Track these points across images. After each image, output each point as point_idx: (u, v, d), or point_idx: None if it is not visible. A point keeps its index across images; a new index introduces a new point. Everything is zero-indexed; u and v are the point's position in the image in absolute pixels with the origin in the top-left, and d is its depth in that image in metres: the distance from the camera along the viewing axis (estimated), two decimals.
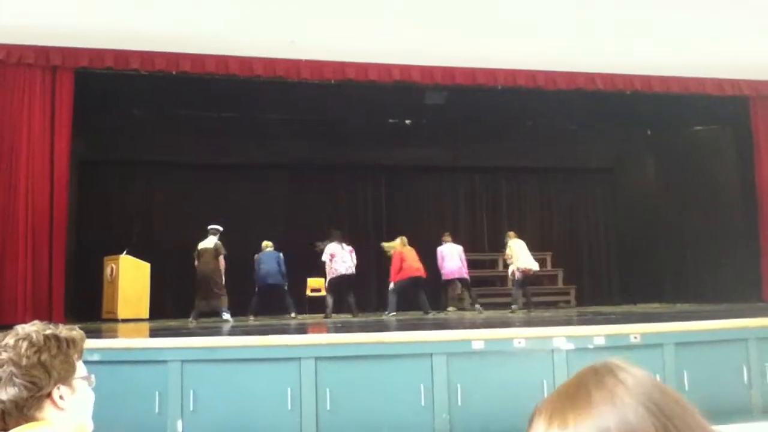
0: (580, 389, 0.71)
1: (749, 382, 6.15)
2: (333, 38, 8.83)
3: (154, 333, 7.51)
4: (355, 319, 9.45)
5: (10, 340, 1.36)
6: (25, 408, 1.32)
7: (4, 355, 1.34)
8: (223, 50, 9.06)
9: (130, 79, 9.25)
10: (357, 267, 10.27)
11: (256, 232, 10.42)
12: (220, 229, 9.70)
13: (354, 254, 10.15)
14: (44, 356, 1.35)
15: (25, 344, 1.35)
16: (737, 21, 8.51)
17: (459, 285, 11.23)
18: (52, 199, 8.69)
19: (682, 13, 8.27)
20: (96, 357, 5.23)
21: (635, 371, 0.72)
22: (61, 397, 1.37)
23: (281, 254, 10.11)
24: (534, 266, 10.72)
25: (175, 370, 5.45)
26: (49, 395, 1.35)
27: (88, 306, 10.04)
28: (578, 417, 0.69)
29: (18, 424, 1.29)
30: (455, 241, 11.00)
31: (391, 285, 10.12)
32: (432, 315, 9.87)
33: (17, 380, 1.31)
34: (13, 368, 1.32)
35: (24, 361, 1.33)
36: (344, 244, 10.15)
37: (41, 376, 1.34)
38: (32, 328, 1.39)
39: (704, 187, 12.20)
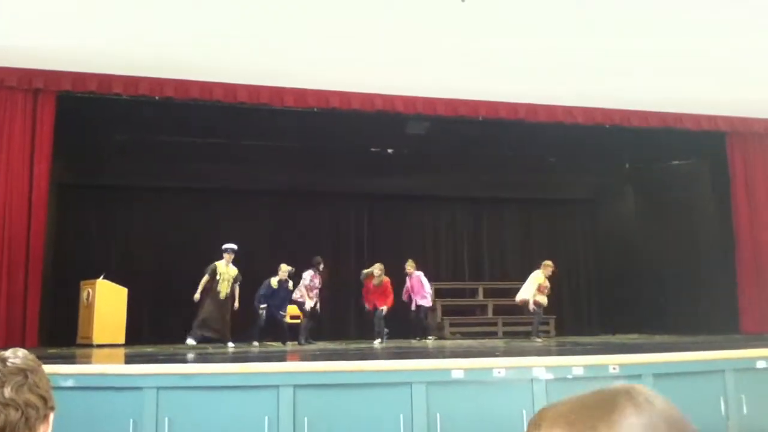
0: (611, 408, 0.69)
1: (726, 413, 6.18)
2: (317, 67, 8.90)
3: (129, 359, 7.39)
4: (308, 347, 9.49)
5: (11, 353, 1.34)
6: (37, 420, 1.29)
7: (19, 363, 1.31)
8: (208, 76, 9.09)
9: (112, 103, 9.23)
10: (335, 295, 10.39)
11: (236, 259, 10.33)
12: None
13: (304, 280, 10.23)
14: (47, 378, 1.35)
15: (31, 357, 1.34)
16: (714, 57, 8.71)
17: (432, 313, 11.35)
18: (30, 222, 8.60)
19: (660, 49, 8.46)
20: (70, 383, 5.14)
21: (662, 403, 0.71)
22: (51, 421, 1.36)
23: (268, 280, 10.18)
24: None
25: (150, 397, 5.36)
26: (46, 416, 1.33)
27: (64, 331, 9.86)
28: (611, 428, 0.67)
29: None
30: (437, 269, 11.14)
31: (384, 311, 10.28)
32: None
33: (35, 389, 1.29)
34: (33, 377, 1.30)
35: (39, 376, 1.32)
36: (311, 271, 10.27)
37: (49, 392, 1.33)
38: (24, 352, 1.38)
39: (682, 220, 12.36)
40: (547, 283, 10.73)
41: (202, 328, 9.47)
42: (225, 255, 9.68)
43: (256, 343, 9.69)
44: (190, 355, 7.70)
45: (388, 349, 8.84)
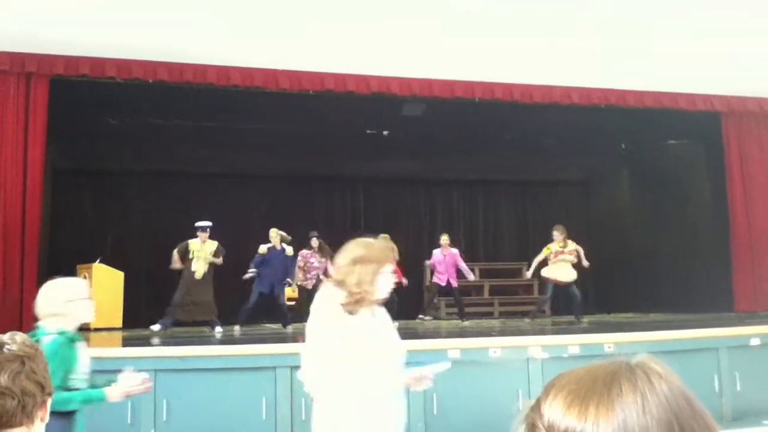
0: (610, 383, 0.67)
1: (720, 390, 6.25)
2: (312, 48, 8.85)
3: (126, 342, 7.42)
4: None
5: (8, 338, 1.32)
6: (35, 408, 1.28)
7: (15, 349, 1.28)
8: (201, 59, 9.03)
9: (106, 87, 9.17)
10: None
11: (232, 243, 10.31)
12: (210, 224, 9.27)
13: (298, 261, 10.01)
14: (45, 363, 1.34)
15: (29, 342, 1.33)
16: (709, 37, 8.68)
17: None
18: (25, 207, 8.57)
19: (655, 29, 8.42)
20: None
21: (672, 380, 0.69)
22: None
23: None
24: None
25: None
26: (44, 402, 1.32)
27: None
28: (599, 412, 0.66)
29: (11, 426, 1.25)
30: (432, 250, 10.99)
31: None
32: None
33: (32, 376, 1.27)
34: (30, 363, 1.29)
35: (36, 362, 1.30)
36: (305, 250, 10.09)
37: (47, 378, 1.32)
38: (22, 337, 1.36)
39: (677, 200, 12.39)
40: (559, 248, 10.07)
41: (172, 312, 8.84)
42: (198, 233, 9.04)
43: (237, 327, 9.14)
44: (188, 338, 7.73)
45: None
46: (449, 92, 10.04)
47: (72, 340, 2.94)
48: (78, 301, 3.00)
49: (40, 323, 2.95)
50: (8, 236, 8.41)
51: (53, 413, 2.82)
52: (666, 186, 12.66)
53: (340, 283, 2.65)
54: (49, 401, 1.33)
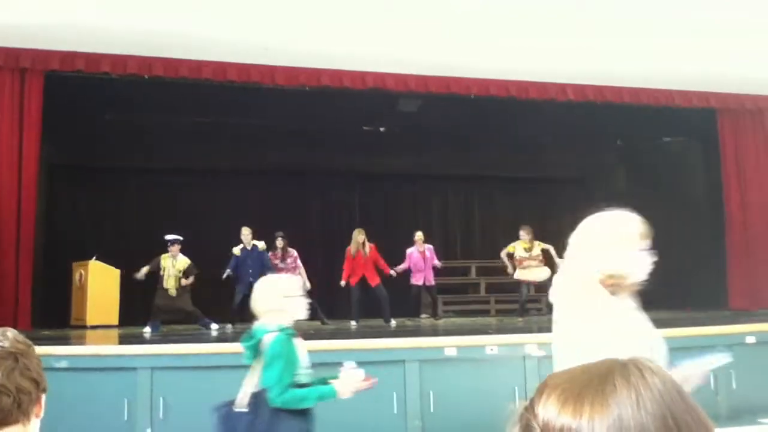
0: (604, 380, 0.68)
1: (715, 388, 6.26)
2: (308, 44, 8.82)
3: (123, 340, 7.40)
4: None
5: (0, 336, 1.31)
6: (30, 405, 1.26)
7: (8, 346, 1.26)
8: (197, 55, 8.99)
9: (101, 83, 9.13)
10: (325, 275, 10.23)
11: (227, 239, 10.30)
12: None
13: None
14: (38, 359, 1.33)
15: (20, 338, 1.31)
16: (705, 35, 8.69)
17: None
18: (20, 203, 8.54)
19: (651, 26, 8.42)
20: (64, 364, 5.16)
21: (664, 375, 0.70)
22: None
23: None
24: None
25: (144, 377, 5.39)
26: (38, 399, 1.31)
27: (57, 312, 9.84)
28: (594, 409, 0.66)
29: (8, 424, 1.24)
30: (427, 243, 10.90)
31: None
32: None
33: (26, 373, 1.26)
34: (23, 360, 1.27)
35: (29, 358, 1.29)
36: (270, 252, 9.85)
37: (41, 374, 1.31)
38: (13, 333, 1.34)
39: (673, 198, 12.40)
40: (523, 254, 10.09)
41: (156, 315, 8.80)
42: (169, 247, 8.85)
43: (229, 326, 8.98)
44: (185, 336, 7.72)
45: (382, 328, 8.87)
46: (445, 88, 10.04)
47: (291, 336, 2.94)
48: (294, 296, 3.01)
49: (259, 320, 2.98)
50: (3, 232, 8.38)
51: (291, 412, 2.81)
52: (661, 183, 12.68)
53: (585, 265, 2.19)
54: (44, 396, 1.32)
